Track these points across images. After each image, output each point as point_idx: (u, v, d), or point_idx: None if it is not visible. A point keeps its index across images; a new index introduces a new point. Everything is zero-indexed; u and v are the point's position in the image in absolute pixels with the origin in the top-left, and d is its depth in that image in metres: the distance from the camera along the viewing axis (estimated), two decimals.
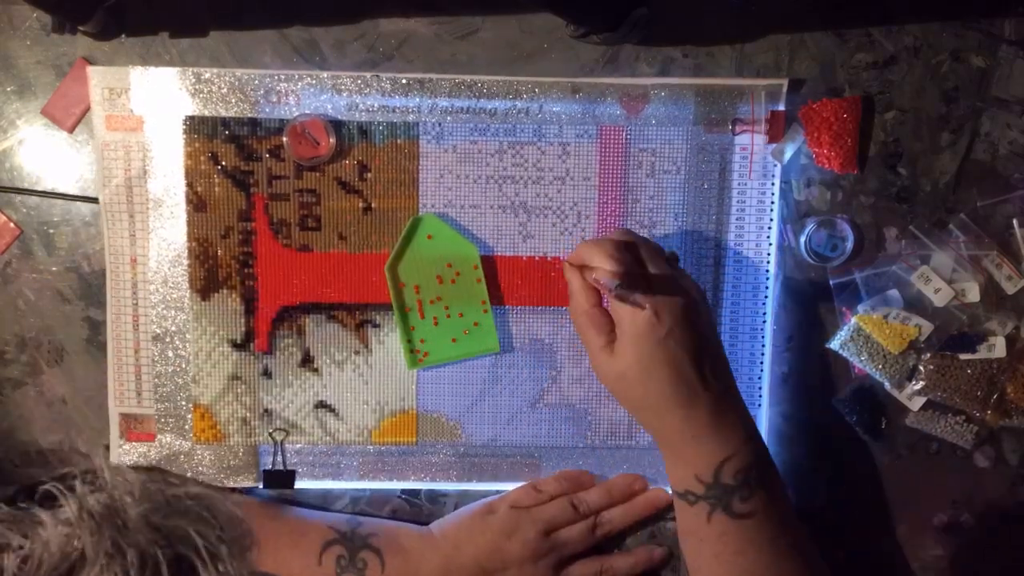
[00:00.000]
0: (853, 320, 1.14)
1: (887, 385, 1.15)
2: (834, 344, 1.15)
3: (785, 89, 1.13)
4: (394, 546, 1.12)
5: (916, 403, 1.16)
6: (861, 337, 1.14)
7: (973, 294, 1.14)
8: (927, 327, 1.13)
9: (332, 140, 1.12)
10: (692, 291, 1.01)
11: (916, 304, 1.15)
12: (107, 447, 1.17)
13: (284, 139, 1.12)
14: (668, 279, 0.99)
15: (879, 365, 1.14)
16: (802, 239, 1.15)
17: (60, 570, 0.62)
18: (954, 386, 1.15)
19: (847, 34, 1.14)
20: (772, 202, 1.15)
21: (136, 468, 0.74)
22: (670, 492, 1.05)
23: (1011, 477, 1.19)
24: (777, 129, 1.13)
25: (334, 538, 1.12)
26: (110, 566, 0.62)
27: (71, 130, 1.14)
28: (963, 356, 1.15)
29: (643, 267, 1.00)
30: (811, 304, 1.17)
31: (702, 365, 0.98)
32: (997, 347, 1.14)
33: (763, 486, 0.99)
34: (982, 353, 1.14)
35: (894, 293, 1.14)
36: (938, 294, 1.13)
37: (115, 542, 0.63)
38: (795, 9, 1.14)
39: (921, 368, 1.15)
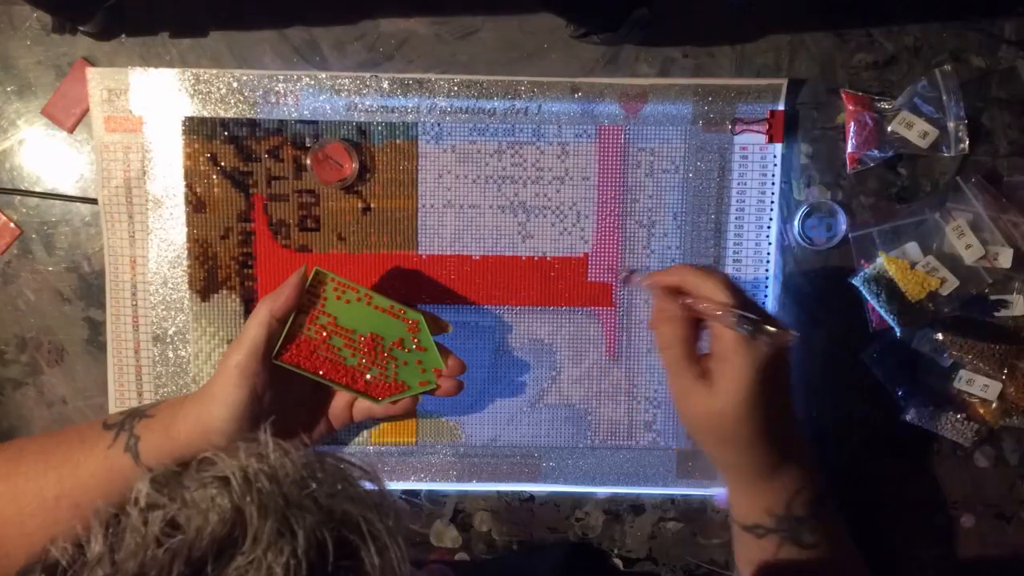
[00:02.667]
0: (880, 259, 1.14)
1: (898, 332, 1.15)
2: (857, 280, 1.15)
3: (785, 89, 1.13)
4: (166, 409, 1.03)
5: (942, 360, 1.17)
6: (884, 278, 1.13)
7: (1006, 259, 1.13)
8: (951, 282, 1.13)
9: (355, 159, 1.12)
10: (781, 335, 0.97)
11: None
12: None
13: (307, 164, 1.12)
14: (765, 315, 0.95)
15: (895, 310, 1.14)
16: (795, 224, 1.15)
17: (217, 544, 0.61)
18: (971, 343, 1.15)
19: (847, 34, 1.14)
20: (772, 202, 1.15)
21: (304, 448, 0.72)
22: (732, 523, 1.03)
23: (1011, 477, 1.19)
24: (777, 129, 1.13)
25: (115, 421, 1.03)
26: (277, 544, 0.61)
27: (71, 130, 1.14)
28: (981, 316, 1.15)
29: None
30: (811, 303, 1.17)
31: (788, 406, 0.97)
32: (1018, 305, 1.14)
33: (828, 516, 0.98)
34: (1001, 314, 1.14)
35: (912, 246, 1.14)
36: (968, 250, 1.12)
37: (284, 518, 0.62)
38: (795, 9, 1.14)
39: (939, 322, 1.15)
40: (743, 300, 0.94)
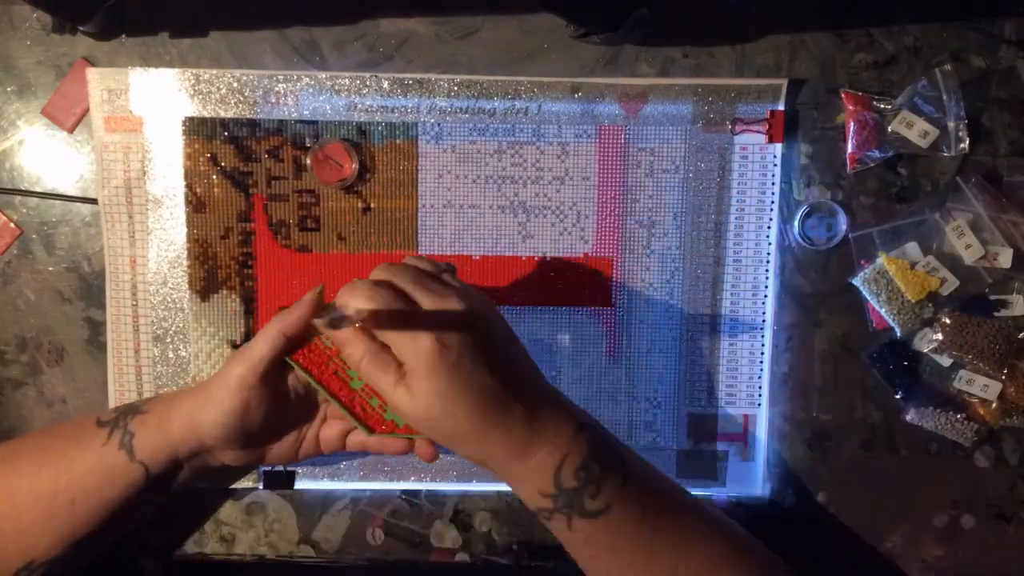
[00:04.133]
0: (880, 259, 1.14)
1: (898, 332, 1.15)
2: (857, 280, 1.15)
3: (785, 89, 1.13)
4: (159, 404, 1.02)
5: (942, 360, 1.17)
6: (884, 278, 1.14)
7: (1006, 259, 1.13)
8: (951, 282, 1.13)
9: (355, 159, 1.13)
10: (475, 303, 0.92)
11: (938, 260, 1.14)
12: None
13: (307, 164, 1.13)
14: (447, 299, 0.90)
15: (895, 310, 1.14)
16: (795, 224, 1.15)
17: None
18: (971, 343, 1.14)
19: (847, 34, 1.14)
20: (772, 202, 1.15)
21: None
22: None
23: (1011, 477, 1.19)
24: (777, 129, 1.13)
25: (109, 418, 1.02)
26: None
27: (71, 130, 1.14)
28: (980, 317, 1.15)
29: (408, 300, 0.91)
30: (811, 303, 1.17)
31: (507, 377, 0.90)
32: (1017, 305, 1.14)
33: (609, 473, 0.91)
34: (1001, 314, 1.14)
35: (912, 246, 1.14)
36: (968, 250, 1.12)
37: None
38: (795, 9, 1.14)
39: (939, 322, 1.15)
40: (389, 296, 0.90)
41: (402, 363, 0.89)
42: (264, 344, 0.96)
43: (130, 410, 1.01)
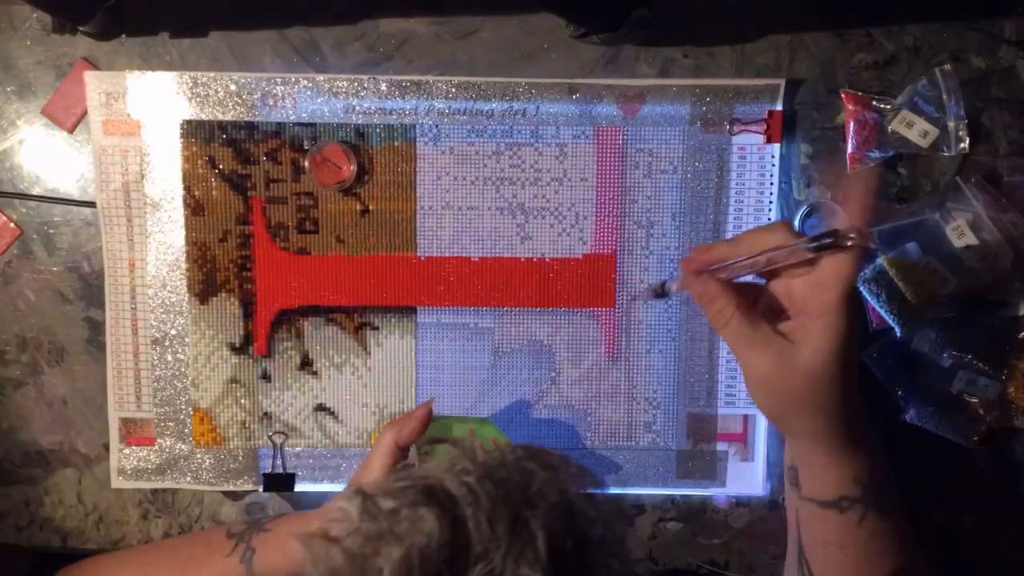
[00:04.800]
0: (880, 260, 1.14)
1: (898, 332, 1.15)
2: (857, 280, 1.14)
3: (783, 89, 1.13)
4: (283, 525, 1.05)
5: (942, 360, 1.16)
6: (884, 279, 1.13)
7: (1005, 260, 1.12)
8: (951, 282, 1.12)
9: (353, 162, 1.13)
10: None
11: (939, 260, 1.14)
12: (107, 446, 1.18)
13: (306, 166, 1.13)
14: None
15: (895, 310, 1.14)
16: (795, 224, 1.14)
17: (442, 558, 0.58)
18: (970, 343, 1.14)
19: (847, 34, 1.14)
20: (770, 202, 1.15)
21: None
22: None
23: (1011, 477, 1.19)
24: (775, 129, 1.13)
25: (238, 531, 1.07)
26: (515, 546, 0.58)
27: (71, 130, 1.14)
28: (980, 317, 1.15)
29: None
30: None
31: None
32: (1017, 305, 1.14)
33: (895, 484, 0.91)
34: (1001, 315, 1.14)
35: (912, 246, 1.13)
36: (968, 250, 1.12)
37: (515, 518, 0.59)
38: (795, 9, 1.13)
39: (939, 322, 1.15)
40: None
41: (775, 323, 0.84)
42: (381, 459, 0.99)
43: (257, 526, 1.04)
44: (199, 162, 1.13)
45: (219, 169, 1.13)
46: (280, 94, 1.12)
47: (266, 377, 1.17)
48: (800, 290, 0.82)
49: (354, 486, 0.75)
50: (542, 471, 0.64)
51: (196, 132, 1.12)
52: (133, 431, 1.17)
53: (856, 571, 0.91)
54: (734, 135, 1.14)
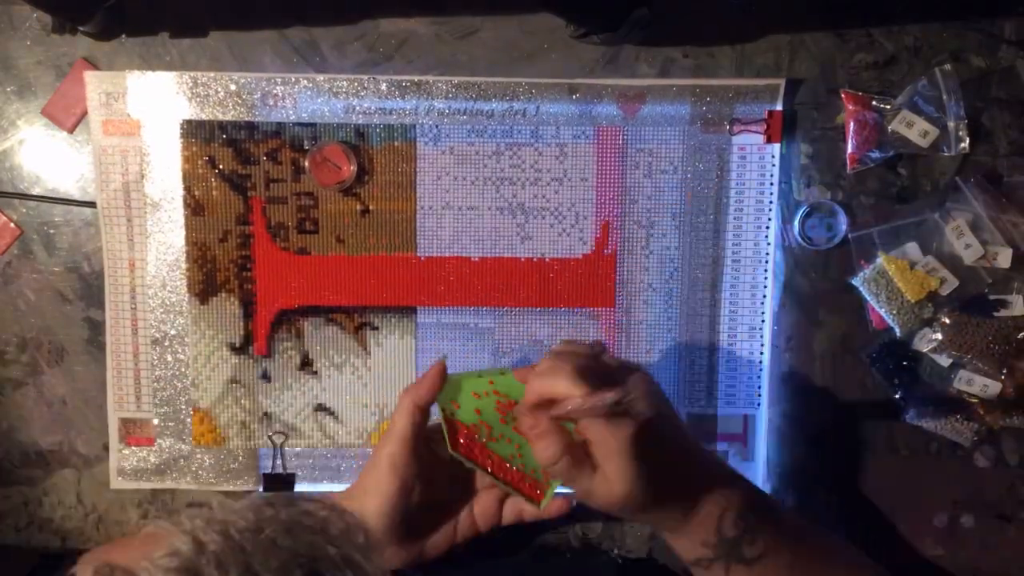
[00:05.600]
0: (879, 259, 1.14)
1: (898, 332, 1.15)
2: (857, 280, 1.15)
3: (783, 89, 1.13)
4: None
5: (941, 360, 1.16)
6: (883, 279, 1.13)
7: (1005, 259, 1.12)
8: (951, 282, 1.13)
9: (353, 162, 1.13)
10: (637, 370, 0.95)
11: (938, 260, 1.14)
12: (106, 446, 1.18)
13: (306, 166, 1.13)
14: (636, 384, 0.91)
15: (894, 310, 1.14)
16: (795, 224, 1.15)
17: None
18: (970, 343, 1.14)
19: (847, 34, 1.14)
20: (771, 202, 1.15)
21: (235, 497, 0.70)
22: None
23: (1011, 477, 1.19)
24: (775, 129, 1.13)
25: None
26: None
27: (71, 130, 1.14)
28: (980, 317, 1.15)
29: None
30: (811, 303, 1.17)
31: (681, 445, 0.95)
32: (1017, 305, 1.14)
33: (763, 522, 0.95)
34: (1001, 314, 1.14)
35: (912, 246, 1.14)
36: (968, 250, 1.12)
37: (246, 569, 0.60)
38: (795, 9, 1.13)
39: (939, 322, 1.15)
40: (592, 369, 0.91)
41: (590, 453, 0.91)
42: (402, 419, 0.99)
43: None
44: (199, 162, 1.13)
45: (219, 169, 1.13)
46: (280, 94, 1.12)
47: (266, 377, 1.17)
48: (592, 428, 0.90)
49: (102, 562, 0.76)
50: (273, 520, 0.65)
51: (196, 132, 1.12)
52: (133, 431, 1.17)
53: None
54: (734, 135, 1.14)
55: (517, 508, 1.06)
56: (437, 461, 1.04)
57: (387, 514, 0.97)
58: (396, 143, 1.13)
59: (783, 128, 1.13)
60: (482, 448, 1.00)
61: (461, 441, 1.00)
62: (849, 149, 1.13)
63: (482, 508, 1.07)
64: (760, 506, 0.96)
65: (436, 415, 1.02)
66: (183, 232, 1.14)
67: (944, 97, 1.12)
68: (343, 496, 1.02)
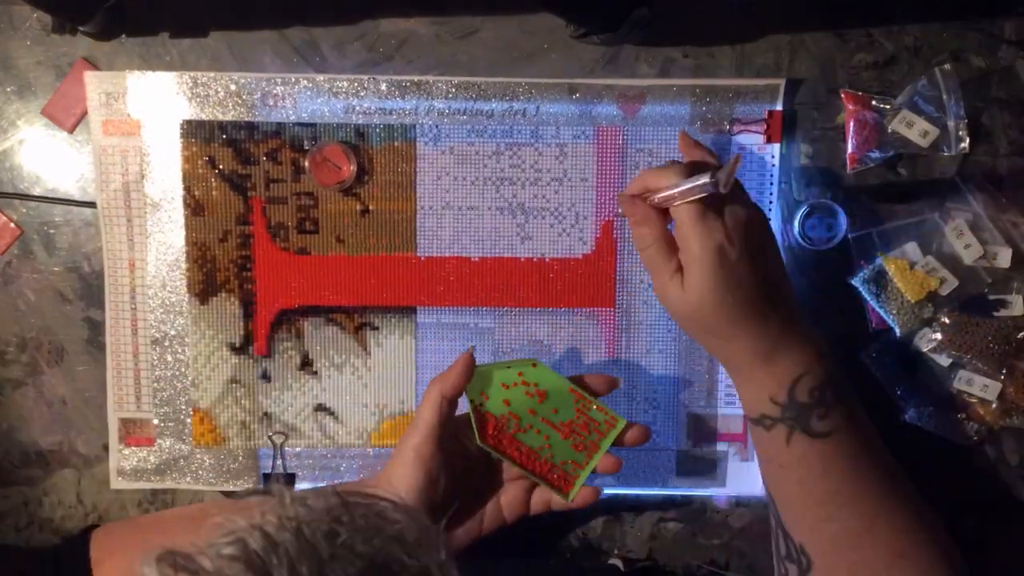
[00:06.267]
0: (879, 259, 1.14)
1: (898, 332, 1.15)
2: (857, 280, 1.15)
3: (783, 89, 1.13)
4: None
5: (941, 360, 1.16)
6: (883, 279, 1.14)
7: (1005, 259, 1.13)
8: (950, 282, 1.13)
9: (353, 162, 1.13)
10: (751, 206, 0.96)
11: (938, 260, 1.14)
12: (106, 446, 1.18)
13: (306, 166, 1.13)
14: (730, 195, 0.92)
15: (894, 310, 1.14)
16: (795, 224, 1.14)
17: None
18: (970, 343, 1.14)
19: (847, 34, 1.14)
20: (771, 202, 1.15)
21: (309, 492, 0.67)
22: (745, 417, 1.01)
23: (1011, 477, 1.19)
24: (775, 129, 1.13)
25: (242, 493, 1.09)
26: None
27: (71, 130, 1.14)
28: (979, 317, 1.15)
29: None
30: (811, 303, 1.17)
31: (772, 286, 0.94)
32: (1017, 305, 1.14)
33: (840, 403, 0.94)
34: (1001, 314, 1.14)
35: (912, 246, 1.14)
36: (967, 250, 1.12)
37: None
38: (795, 9, 1.13)
39: (939, 322, 1.15)
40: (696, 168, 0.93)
41: (678, 256, 0.94)
42: (429, 410, 1.00)
43: (257, 491, 1.03)
44: (199, 162, 1.13)
45: (219, 169, 1.13)
46: (280, 94, 1.12)
47: (266, 377, 1.17)
48: (683, 223, 0.92)
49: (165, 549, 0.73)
50: (350, 524, 0.62)
51: (196, 132, 1.12)
52: (133, 431, 1.17)
53: (796, 491, 0.96)
54: (734, 135, 1.14)
55: (545, 498, 1.07)
56: (464, 452, 1.05)
57: (415, 504, 0.96)
58: (396, 143, 1.13)
59: (783, 128, 1.13)
60: (511, 439, 1.02)
61: (490, 432, 1.01)
62: (849, 149, 1.13)
63: (509, 499, 1.07)
64: (840, 386, 0.96)
65: (464, 406, 1.03)
66: (183, 232, 1.14)
67: (944, 97, 1.12)
68: (369, 484, 1.03)
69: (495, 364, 1.04)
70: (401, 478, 0.98)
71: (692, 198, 0.90)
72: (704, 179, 0.86)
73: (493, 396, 1.02)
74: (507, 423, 1.02)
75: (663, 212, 0.96)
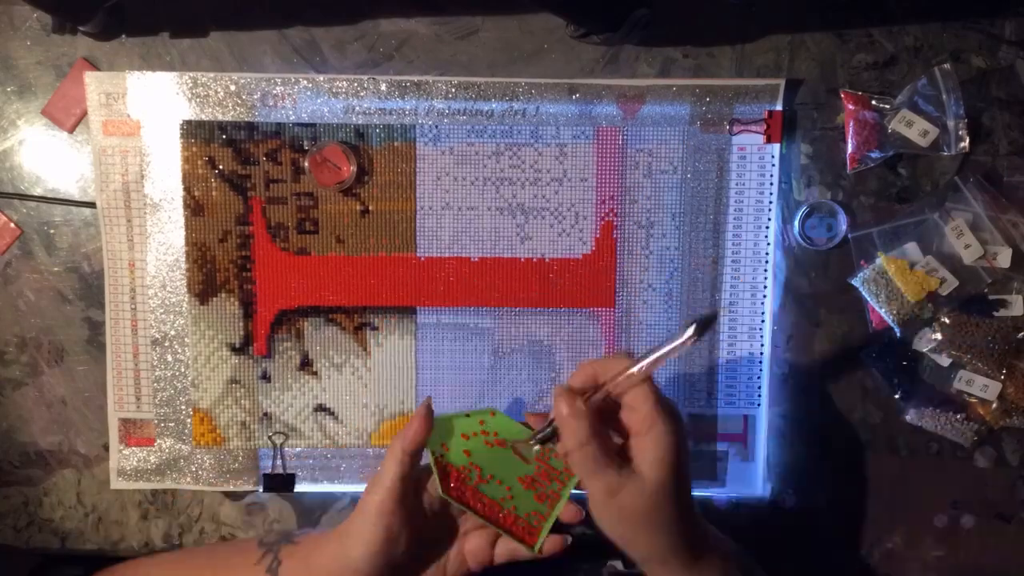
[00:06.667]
0: (879, 259, 1.14)
1: (898, 332, 1.15)
2: (857, 280, 1.15)
3: (783, 89, 1.13)
4: (310, 541, 1.07)
5: (941, 360, 1.17)
6: (883, 279, 1.14)
7: (1005, 259, 1.13)
8: (950, 282, 1.13)
9: (353, 162, 1.12)
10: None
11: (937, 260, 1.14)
12: (106, 446, 1.18)
13: (306, 167, 1.13)
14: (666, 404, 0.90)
15: (894, 310, 1.14)
16: (795, 224, 1.15)
17: None
18: (970, 343, 1.14)
19: (847, 34, 1.13)
20: (771, 202, 1.14)
21: None
22: None
23: (1011, 477, 1.19)
24: (775, 129, 1.13)
25: (270, 540, 1.08)
26: None
27: (71, 130, 1.14)
28: (979, 317, 1.15)
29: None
30: (811, 303, 1.17)
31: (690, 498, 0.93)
32: (1016, 305, 1.14)
33: None
34: (1001, 314, 1.14)
35: (912, 246, 1.14)
36: (967, 250, 1.12)
37: None
38: (795, 9, 1.13)
39: (939, 322, 1.15)
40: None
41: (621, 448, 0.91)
42: (392, 467, 0.98)
43: (286, 536, 1.07)
44: (199, 162, 1.13)
45: (219, 169, 1.13)
46: (280, 94, 1.12)
47: (266, 377, 1.17)
48: (643, 409, 0.87)
49: None
50: None
51: (196, 132, 1.12)
52: (133, 431, 1.17)
53: None
54: (734, 135, 1.14)
55: (510, 548, 1.06)
56: (426, 504, 1.05)
57: (372, 558, 0.97)
58: (396, 143, 1.13)
59: (783, 128, 1.13)
60: (473, 491, 1.01)
61: (452, 484, 1.00)
62: (849, 149, 1.13)
63: (472, 548, 1.06)
64: (755, 572, 1.00)
65: (427, 457, 1.02)
66: (183, 232, 1.14)
67: (944, 97, 1.12)
68: (331, 535, 1.02)
69: (455, 414, 1.02)
70: (360, 533, 0.98)
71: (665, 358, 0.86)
72: (689, 331, 0.81)
73: (453, 447, 1.01)
74: (469, 474, 1.01)
75: (596, 410, 0.90)
